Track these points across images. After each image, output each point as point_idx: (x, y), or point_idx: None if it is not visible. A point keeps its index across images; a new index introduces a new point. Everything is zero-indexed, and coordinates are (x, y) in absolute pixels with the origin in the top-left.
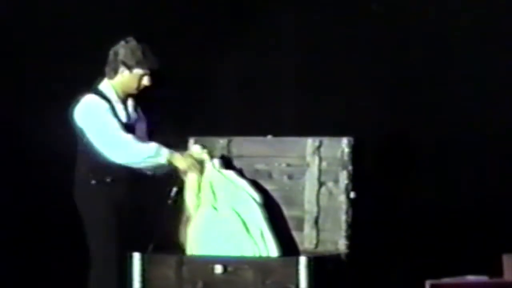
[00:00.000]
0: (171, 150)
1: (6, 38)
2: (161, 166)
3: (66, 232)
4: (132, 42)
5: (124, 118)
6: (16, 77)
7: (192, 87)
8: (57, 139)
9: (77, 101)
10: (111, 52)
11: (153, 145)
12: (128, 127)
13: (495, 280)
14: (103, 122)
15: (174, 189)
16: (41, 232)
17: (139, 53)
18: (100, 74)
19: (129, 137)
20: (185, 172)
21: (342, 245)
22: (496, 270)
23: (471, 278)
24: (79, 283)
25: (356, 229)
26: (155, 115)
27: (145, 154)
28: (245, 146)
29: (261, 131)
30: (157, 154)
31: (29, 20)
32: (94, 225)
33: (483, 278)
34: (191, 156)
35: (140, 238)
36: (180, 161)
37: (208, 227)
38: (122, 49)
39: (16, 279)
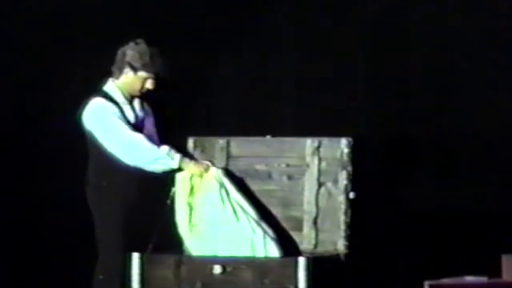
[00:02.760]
0: (182, 156)
1: (12, 39)
2: (170, 170)
3: (76, 232)
4: (142, 45)
5: (132, 119)
6: (24, 78)
7: (191, 87)
8: (69, 140)
9: (85, 103)
10: (119, 52)
11: (164, 148)
12: (136, 127)
13: (494, 280)
14: (113, 124)
15: (174, 189)
16: (51, 233)
17: (146, 56)
18: (105, 76)
19: (140, 137)
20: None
21: (341, 245)
22: (495, 270)
23: (470, 278)
24: (86, 282)
25: (355, 230)
26: (155, 115)
27: (156, 155)
28: (244, 147)
29: (261, 131)
30: (169, 156)
31: (35, 21)
32: (105, 226)
33: (482, 279)
34: (202, 163)
35: (150, 239)
36: (191, 167)
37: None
38: (130, 50)
39: (24, 278)
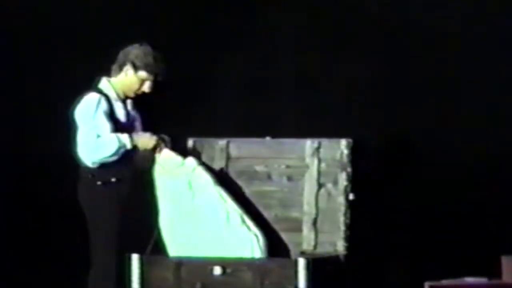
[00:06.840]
0: (132, 135)
1: (8, 37)
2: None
3: (68, 232)
4: (147, 46)
5: (123, 117)
6: (19, 77)
7: (191, 88)
8: (62, 138)
9: (79, 100)
10: (122, 52)
11: (113, 136)
12: (127, 127)
13: (494, 281)
14: (86, 123)
15: None
16: (44, 233)
17: (150, 57)
18: (100, 74)
19: (93, 136)
20: (149, 151)
21: (340, 246)
22: (495, 271)
23: (470, 279)
24: (80, 283)
25: (354, 231)
26: (155, 115)
27: (115, 146)
28: (244, 148)
29: (260, 133)
30: (122, 141)
31: (31, 19)
32: (98, 226)
33: (482, 280)
34: (156, 136)
35: (144, 238)
36: (144, 141)
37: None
38: (134, 50)
39: (17, 278)
